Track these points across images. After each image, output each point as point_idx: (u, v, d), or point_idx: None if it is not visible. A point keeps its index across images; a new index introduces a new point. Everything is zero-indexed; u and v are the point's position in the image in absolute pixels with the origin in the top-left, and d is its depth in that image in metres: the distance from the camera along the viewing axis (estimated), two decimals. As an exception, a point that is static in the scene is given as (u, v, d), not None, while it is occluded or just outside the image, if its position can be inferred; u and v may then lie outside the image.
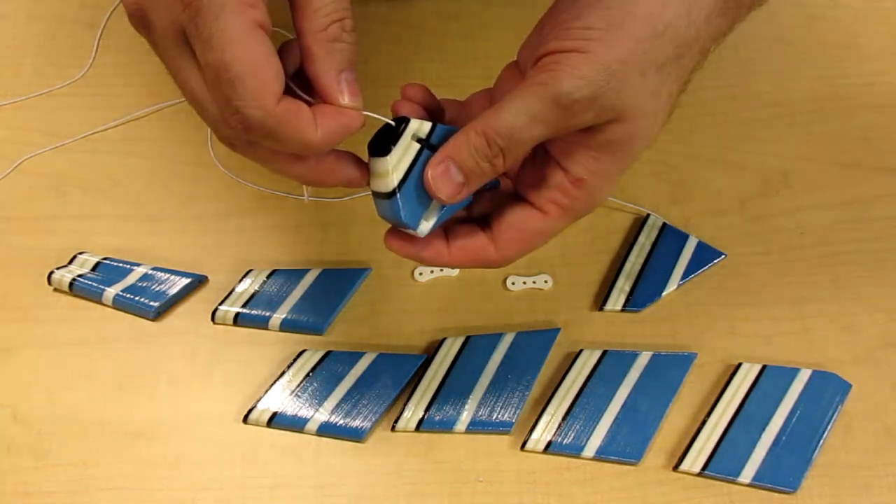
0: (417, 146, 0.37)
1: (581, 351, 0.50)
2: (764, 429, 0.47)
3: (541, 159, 0.39)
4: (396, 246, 0.40)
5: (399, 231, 0.39)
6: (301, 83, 0.36)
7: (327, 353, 0.50)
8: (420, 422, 0.48)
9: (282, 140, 0.34)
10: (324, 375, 0.50)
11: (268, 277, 0.53)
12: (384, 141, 0.37)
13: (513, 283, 0.53)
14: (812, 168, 0.57)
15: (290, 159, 0.37)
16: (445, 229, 0.40)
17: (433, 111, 0.40)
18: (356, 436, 0.48)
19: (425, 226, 0.38)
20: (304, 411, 0.49)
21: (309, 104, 0.35)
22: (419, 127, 0.37)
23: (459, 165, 0.37)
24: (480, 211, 0.42)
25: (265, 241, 0.55)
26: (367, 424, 0.48)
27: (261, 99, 0.32)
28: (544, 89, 0.35)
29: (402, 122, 0.37)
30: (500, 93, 0.41)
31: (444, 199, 0.37)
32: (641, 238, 0.54)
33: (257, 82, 0.32)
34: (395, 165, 0.37)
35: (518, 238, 0.40)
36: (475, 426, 0.48)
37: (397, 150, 0.36)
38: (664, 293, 0.52)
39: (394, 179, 0.37)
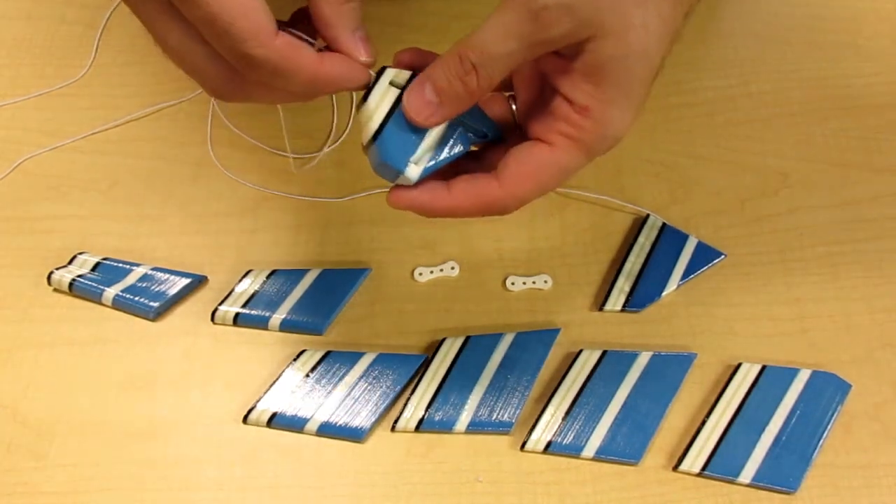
0: (397, 91, 0.38)
1: (581, 351, 0.50)
2: (764, 429, 0.47)
3: (548, 99, 0.38)
4: (394, 198, 0.39)
5: (399, 186, 0.39)
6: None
7: (327, 353, 0.50)
8: (420, 422, 0.48)
9: (287, 74, 0.34)
10: (324, 375, 0.50)
11: (268, 277, 0.53)
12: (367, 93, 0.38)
13: (513, 284, 0.53)
14: (812, 168, 0.57)
15: (287, 94, 0.37)
16: (447, 180, 0.39)
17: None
18: (356, 436, 0.48)
19: (414, 169, 0.38)
20: (304, 411, 0.49)
21: (311, 44, 0.36)
22: (397, 74, 0.38)
23: (433, 84, 0.36)
24: (490, 164, 0.40)
25: (265, 241, 0.55)
26: (367, 424, 0.48)
27: (258, 37, 0.33)
28: (516, 2, 0.34)
29: (381, 71, 0.38)
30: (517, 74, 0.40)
31: (416, 118, 0.37)
32: (641, 238, 0.54)
33: (249, 22, 0.33)
34: (374, 109, 0.38)
35: (523, 172, 0.38)
36: (475, 426, 0.48)
37: (374, 96, 0.38)
38: (664, 293, 0.52)
39: (375, 123, 0.37)
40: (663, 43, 0.36)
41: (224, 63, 0.35)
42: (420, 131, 0.38)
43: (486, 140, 0.40)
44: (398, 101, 0.38)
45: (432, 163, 0.38)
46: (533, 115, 0.39)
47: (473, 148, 0.40)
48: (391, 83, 0.38)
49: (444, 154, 0.38)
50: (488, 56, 0.35)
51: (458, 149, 0.39)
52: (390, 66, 0.38)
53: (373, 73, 0.38)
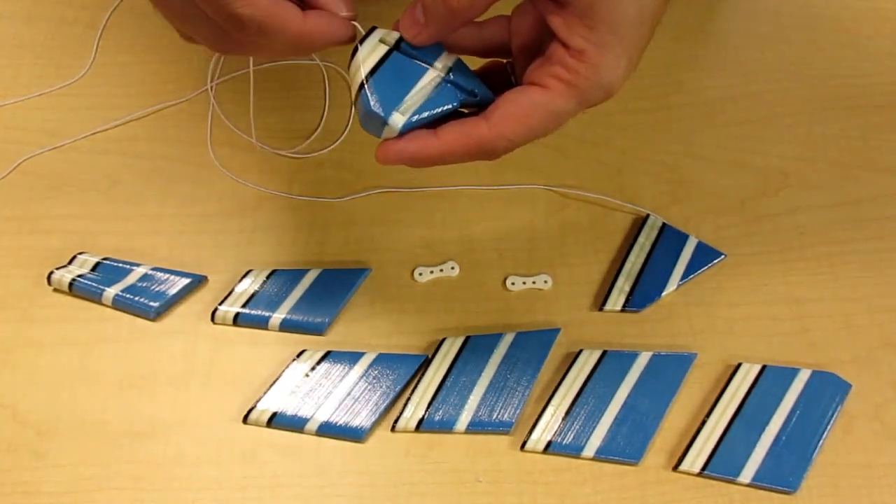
0: (385, 47, 0.39)
1: (581, 351, 0.50)
2: (764, 429, 0.47)
3: (545, 48, 0.38)
4: (382, 152, 0.39)
5: (387, 140, 0.40)
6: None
7: (327, 353, 0.50)
8: (420, 422, 0.48)
9: (272, 32, 0.36)
10: (324, 375, 0.50)
11: (268, 277, 0.53)
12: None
13: (513, 283, 0.53)
14: (812, 168, 0.57)
15: (277, 50, 0.39)
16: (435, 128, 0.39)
17: None
18: (356, 436, 0.48)
19: (398, 118, 0.39)
20: (304, 411, 0.49)
21: (302, 8, 0.38)
22: (387, 34, 0.40)
23: (423, 4, 0.38)
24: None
25: (265, 241, 0.55)
26: (367, 424, 0.48)
27: None
28: None
29: (372, 30, 0.40)
30: (517, 24, 0.40)
31: (405, 35, 0.38)
32: (641, 238, 0.54)
33: None
34: (363, 61, 0.39)
35: (513, 113, 0.38)
36: (475, 426, 0.48)
37: (364, 49, 0.39)
38: (664, 293, 0.52)
39: (363, 72, 0.39)
40: None
41: (216, 23, 0.36)
42: (407, 84, 0.39)
43: (476, 101, 0.40)
44: (387, 55, 0.39)
45: (417, 116, 0.39)
46: (529, 65, 0.39)
47: (463, 111, 0.41)
48: (381, 40, 0.39)
49: (430, 108, 0.39)
50: None
51: (445, 105, 0.39)
52: (380, 28, 0.40)
53: (360, 29, 0.39)
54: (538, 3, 0.38)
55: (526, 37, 0.40)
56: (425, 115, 0.39)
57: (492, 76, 0.43)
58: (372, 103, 0.38)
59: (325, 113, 0.60)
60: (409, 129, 0.39)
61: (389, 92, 0.39)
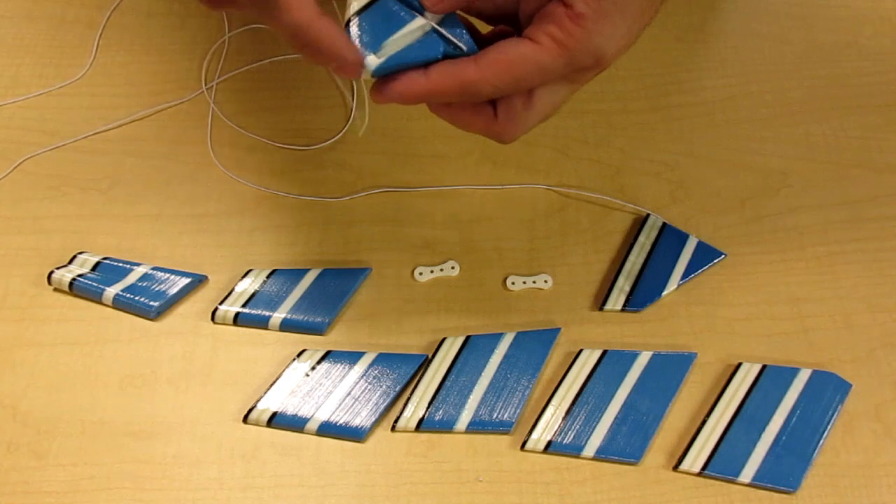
0: None
1: (581, 351, 0.50)
2: (764, 429, 0.47)
3: (547, 8, 0.39)
4: (375, 94, 0.39)
5: (379, 82, 0.40)
6: None
7: (327, 353, 0.50)
8: (420, 421, 0.48)
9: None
10: (324, 375, 0.50)
11: (268, 277, 0.53)
12: None
13: (513, 283, 0.53)
14: (812, 168, 0.57)
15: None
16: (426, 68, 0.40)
17: None
18: (356, 436, 0.48)
19: (372, 60, 0.39)
20: (304, 411, 0.49)
21: None
22: None
23: None
24: None
25: (265, 241, 0.55)
26: (367, 424, 0.48)
27: None
28: None
29: None
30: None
31: (427, 4, 0.38)
32: (641, 238, 0.54)
33: None
34: (350, 2, 0.39)
35: (501, 60, 0.38)
36: (475, 426, 0.48)
37: None
38: (664, 293, 0.52)
39: (350, 10, 0.39)
40: None
41: None
42: (391, 28, 0.39)
43: (462, 54, 0.40)
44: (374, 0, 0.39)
45: (393, 62, 0.39)
46: (530, 22, 0.39)
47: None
48: None
49: (409, 56, 0.39)
50: None
51: (425, 55, 0.39)
52: None
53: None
54: None
55: (533, 5, 0.40)
56: (401, 61, 0.39)
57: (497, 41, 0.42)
58: (353, 41, 0.39)
59: (326, 112, 0.60)
60: (382, 72, 0.39)
61: (372, 33, 0.39)
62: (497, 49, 0.38)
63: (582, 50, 0.38)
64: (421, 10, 0.39)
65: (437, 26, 0.39)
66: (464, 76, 0.38)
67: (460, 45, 0.40)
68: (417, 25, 0.39)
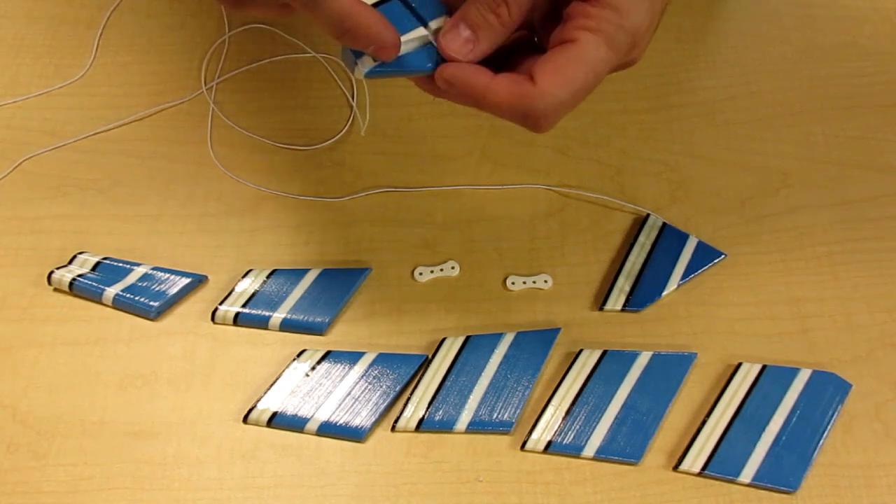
0: None
1: (581, 351, 0.50)
2: (764, 429, 0.47)
3: (562, 12, 0.39)
4: (435, 80, 0.39)
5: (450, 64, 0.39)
6: None
7: (327, 353, 0.50)
8: (420, 422, 0.48)
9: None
10: (324, 375, 0.50)
11: (268, 277, 0.53)
12: None
13: (513, 283, 0.53)
14: (812, 168, 0.57)
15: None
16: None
17: None
18: (356, 436, 0.48)
19: (367, 61, 0.38)
20: (304, 411, 0.49)
21: None
22: None
23: (467, 22, 0.38)
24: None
25: (265, 241, 0.55)
26: (367, 424, 0.48)
27: None
28: None
29: None
30: None
31: (454, 54, 0.38)
32: (641, 238, 0.54)
33: None
34: None
35: (549, 69, 0.37)
36: (475, 426, 0.48)
37: None
38: (664, 293, 0.52)
39: None
40: None
41: None
42: (409, 25, 0.38)
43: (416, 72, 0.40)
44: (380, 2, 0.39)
45: (390, 68, 0.39)
46: (553, 31, 0.39)
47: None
48: None
49: (406, 61, 0.39)
50: None
51: (421, 65, 0.39)
52: None
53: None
54: None
55: (546, 6, 0.40)
56: (396, 67, 0.39)
57: (521, 47, 0.42)
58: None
59: (326, 112, 0.60)
60: (375, 75, 0.39)
61: (397, 22, 0.38)
62: (542, 62, 0.38)
63: (616, 29, 0.38)
64: (425, 22, 0.39)
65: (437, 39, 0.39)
66: (524, 89, 0.38)
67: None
68: (418, 35, 0.39)
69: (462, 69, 0.39)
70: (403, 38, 0.38)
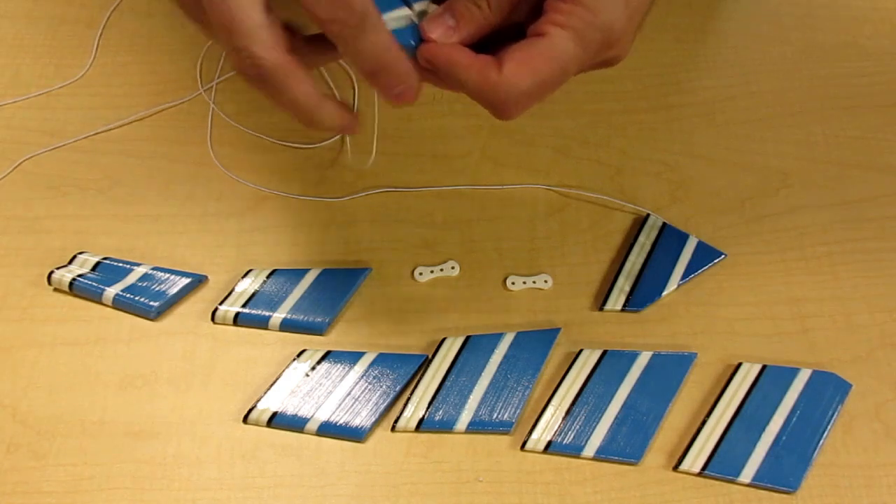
0: None
1: (581, 351, 0.50)
2: (764, 429, 0.47)
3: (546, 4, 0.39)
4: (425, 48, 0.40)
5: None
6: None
7: (327, 353, 0.50)
8: (420, 422, 0.48)
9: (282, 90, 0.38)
10: (324, 375, 0.50)
11: (268, 277, 0.53)
12: None
13: (513, 283, 0.53)
14: (812, 168, 0.57)
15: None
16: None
17: None
18: (356, 436, 0.48)
19: None
20: (304, 411, 0.49)
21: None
22: None
23: (451, 12, 0.39)
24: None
25: (265, 241, 0.55)
26: (367, 424, 0.48)
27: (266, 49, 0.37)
28: None
29: None
30: None
31: (435, 38, 0.39)
32: (641, 238, 0.54)
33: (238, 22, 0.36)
34: None
35: (517, 58, 0.38)
36: (475, 426, 0.48)
37: None
38: (664, 293, 0.52)
39: None
40: None
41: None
42: (383, 8, 0.39)
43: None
44: None
45: None
46: (528, 22, 0.40)
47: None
48: None
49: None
50: None
51: (405, 42, 0.40)
52: None
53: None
54: None
55: (532, 1, 0.41)
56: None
57: (506, 33, 0.42)
58: None
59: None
60: None
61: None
62: (511, 51, 0.38)
63: (587, 26, 0.38)
64: (410, 3, 0.40)
65: (420, 19, 0.40)
66: (490, 74, 0.38)
67: None
68: (402, 14, 0.40)
69: (442, 48, 0.39)
70: (388, 16, 0.39)
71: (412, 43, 0.40)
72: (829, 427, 0.47)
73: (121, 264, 0.54)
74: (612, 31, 0.38)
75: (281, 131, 0.60)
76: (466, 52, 0.39)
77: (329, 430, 0.48)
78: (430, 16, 0.40)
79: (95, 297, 0.53)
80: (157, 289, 0.52)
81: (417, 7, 0.40)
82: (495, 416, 0.48)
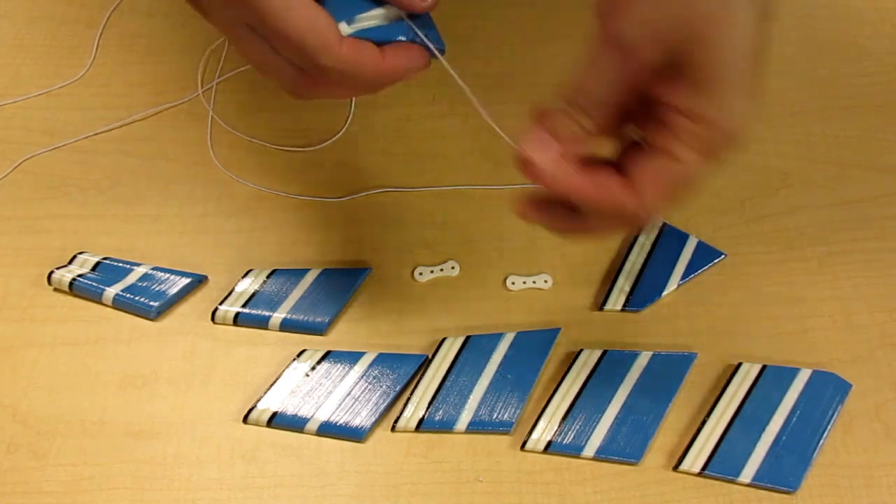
0: None
1: (581, 351, 0.50)
2: (764, 429, 0.47)
3: (656, 109, 0.38)
4: (523, 167, 0.40)
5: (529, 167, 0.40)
6: None
7: (327, 353, 0.50)
8: (420, 422, 0.48)
9: (354, 75, 0.39)
10: (324, 375, 0.50)
11: (268, 277, 0.53)
12: None
13: (513, 283, 0.53)
14: (812, 168, 0.57)
15: (358, 90, 0.41)
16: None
17: None
18: (356, 436, 0.48)
19: (344, 27, 0.39)
20: (304, 411, 0.49)
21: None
22: None
23: (547, 127, 0.39)
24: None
25: (265, 241, 0.55)
26: (367, 424, 0.48)
27: (325, 49, 0.37)
28: (603, 36, 0.36)
29: None
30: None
31: (537, 161, 0.39)
32: (641, 238, 0.54)
33: (316, 36, 0.37)
34: None
35: (646, 181, 0.37)
36: (475, 426, 0.48)
37: None
38: (664, 293, 0.52)
39: None
40: (753, 25, 0.36)
41: (298, 69, 0.39)
42: (367, 5, 0.39)
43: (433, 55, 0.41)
44: None
45: (364, 35, 0.39)
46: (646, 124, 0.38)
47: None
48: None
49: (379, 33, 0.40)
50: (592, 97, 0.37)
51: (394, 35, 0.40)
52: None
53: (440, 56, 0.40)
54: (630, 72, 0.36)
55: (624, 107, 0.39)
56: (370, 37, 0.39)
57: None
58: (330, 6, 0.39)
59: (325, 112, 0.60)
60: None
61: (349, 4, 0.39)
62: (643, 172, 0.38)
63: (720, 147, 0.37)
64: (383, 2, 0.40)
65: (410, 22, 0.40)
66: (620, 193, 0.38)
67: (431, 47, 0.40)
68: (391, 11, 0.40)
69: (556, 180, 0.39)
70: (377, 11, 0.39)
71: (401, 38, 0.40)
72: (829, 427, 0.47)
73: (121, 264, 0.54)
74: (743, 136, 0.37)
75: (281, 133, 0.60)
76: (584, 177, 0.38)
77: (329, 430, 0.48)
78: (531, 139, 0.39)
79: (95, 297, 0.53)
80: (157, 289, 0.52)
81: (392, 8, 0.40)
82: (495, 416, 0.48)
